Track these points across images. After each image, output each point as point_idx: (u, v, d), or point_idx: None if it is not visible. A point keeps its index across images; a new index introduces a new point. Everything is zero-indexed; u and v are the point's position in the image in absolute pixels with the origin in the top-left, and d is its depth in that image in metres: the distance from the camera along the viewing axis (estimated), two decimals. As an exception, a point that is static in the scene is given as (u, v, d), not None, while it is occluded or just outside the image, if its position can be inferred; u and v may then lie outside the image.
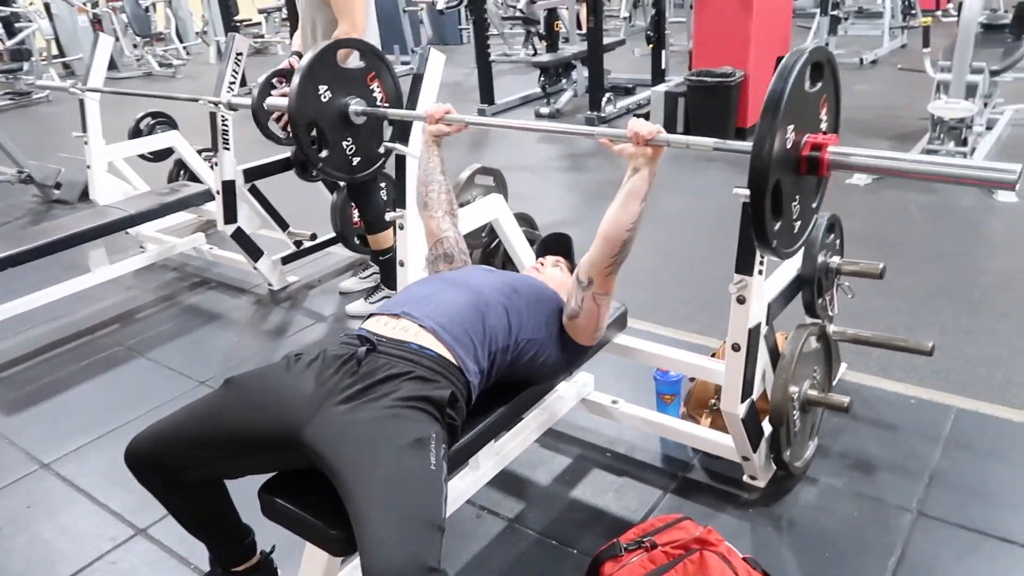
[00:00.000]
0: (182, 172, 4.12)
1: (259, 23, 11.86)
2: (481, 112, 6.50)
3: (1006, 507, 1.88)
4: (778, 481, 2.01)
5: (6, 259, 2.87)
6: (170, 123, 4.16)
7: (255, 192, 3.46)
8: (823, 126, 1.53)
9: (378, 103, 2.41)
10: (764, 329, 1.81)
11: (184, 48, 11.24)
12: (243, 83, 3.23)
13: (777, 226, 1.45)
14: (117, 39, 10.45)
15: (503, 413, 1.69)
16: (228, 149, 3.13)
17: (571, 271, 1.94)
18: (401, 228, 2.23)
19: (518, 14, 7.18)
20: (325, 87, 2.27)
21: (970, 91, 4.14)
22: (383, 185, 3.22)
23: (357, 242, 3.52)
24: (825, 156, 1.44)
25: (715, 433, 2.04)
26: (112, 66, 10.14)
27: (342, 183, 3.38)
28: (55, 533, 2.06)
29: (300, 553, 1.48)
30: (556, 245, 2.04)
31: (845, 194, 4.05)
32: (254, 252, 3.37)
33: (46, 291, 3.10)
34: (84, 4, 10.45)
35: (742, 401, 1.78)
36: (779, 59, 1.74)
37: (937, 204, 3.83)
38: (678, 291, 3.16)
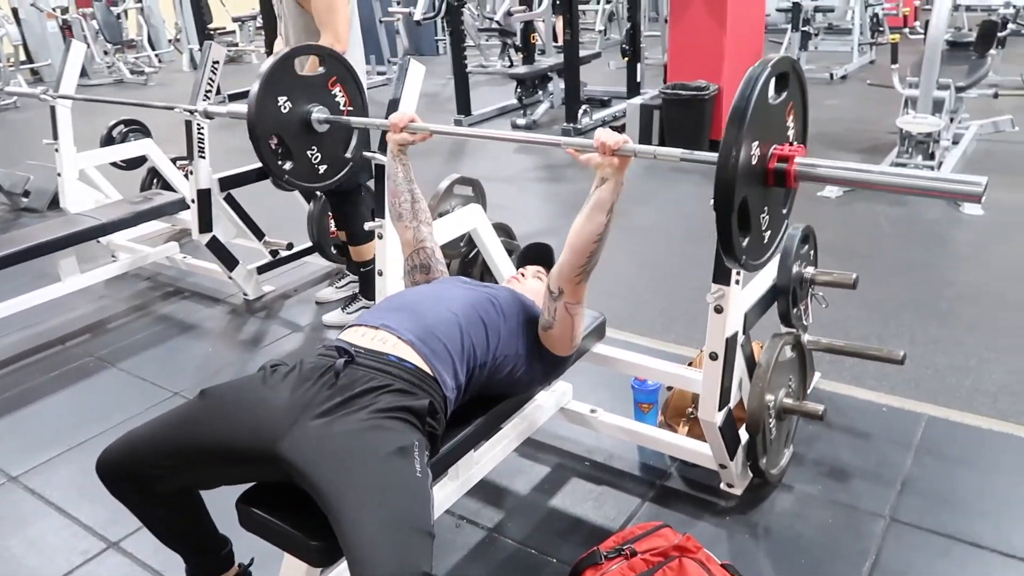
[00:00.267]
0: (155, 180, 4.08)
1: (233, 31, 11.77)
2: (458, 123, 6.51)
3: (975, 513, 1.91)
4: (754, 488, 2.04)
5: (-26, 268, 2.81)
6: (143, 131, 4.12)
7: (231, 201, 3.43)
8: (791, 133, 1.53)
9: (341, 108, 2.37)
10: (741, 338, 1.83)
11: (156, 56, 11.12)
12: (217, 92, 3.21)
13: (745, 241, 1.44)
14: (88, 46, 10.30)
15: (482, 423, 1.70)
16: (204, 158, 3.10)
17: None
18: (380, 238, 2.23)
19: (495, 26, 7.21)
20: (284, 97, 2.20)
21: (937, 106, 4.23)
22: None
23: (334, 252, 3.51)
24: (792, 168, 1.43)
25: (692, 441, 2.06)
26: (82, 73, 9.97)
27: (322, 193, 3.38)
28: (24, 547, 2.02)
29: (279, 564, 1.47)
30: (537, 255, 2.05)
31: (817, 206, 4.12)
32: (229, 261, 3.34)
33: (14, 300, 3.04)
34: (53, 10, 10.30)
35: (719, 409, 1.80)
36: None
37: (906, 217, 3.92)
38: (655, 301, 3.19)
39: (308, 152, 2.31)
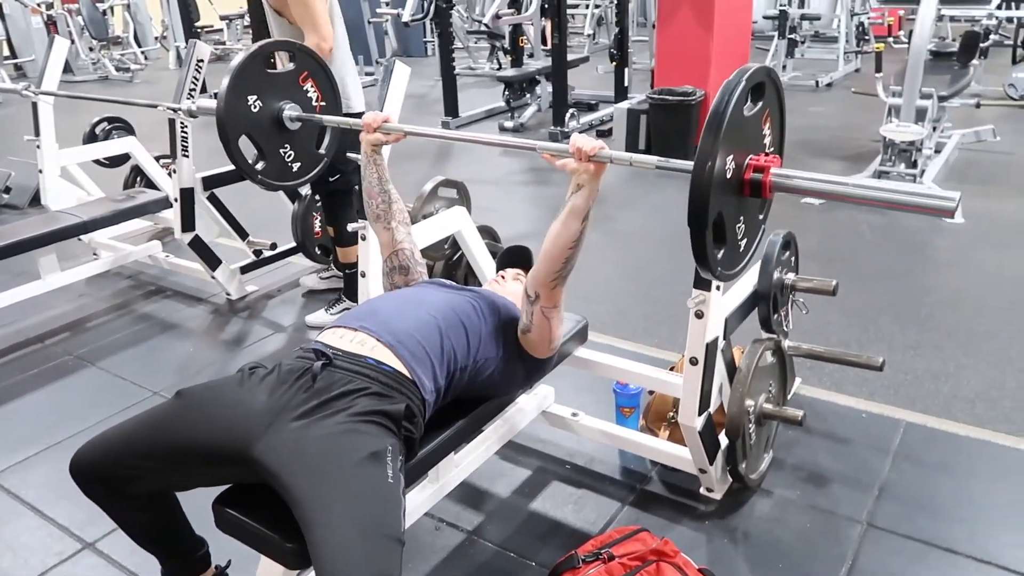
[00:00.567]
0: (139, 179, 4.05)
1: (220, 29, 11.69)
2: (445, 125, 6.51)
3: (951, 518, 1.93)
4: (734, 493, 2.04)
5: (-49, 264, 2.78)
6: (127, 128, 4.09)
7: (214, 200, 3.41)
8: (767, 141, 1.52)
9: (314, 103, 2.34)
10: (721, 343, 1.84)
11: (142, 53, 11.04)
12: (203, 90, 3.19)
13: (720, 253, 1.43)
14: (73, 42, 10.22)
15: (463, 425, 1.70)
16: (187, 156, 3.08)
17: None
18: (363, 239, 2.23)
19: (483, 28, 7.22)
20: (255, 97, 2.18)
21: (920, 115, 4.28)
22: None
23: (318, 252, 3.49)
24: (768, 179, 1.42)
25: (673, 446, 2.06)
26: (67, 69, 9.91)
27: (317, 192, 3.37)
28: (-2, 548, 2.00)
29: (256, 566, 1.46)
30: (517, 258, 2.05)
31: (799, 213, 4.15)
32: (212, 261, 3.32)
33: (-7, 298, 3.01)
34: (38, 5, 10.21)
35: (699, 414, 1.81)
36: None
37: (888, 224, 3.95)
38: (639, 305, 3.20)
39: (281, 150, 2.29)
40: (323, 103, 2.36)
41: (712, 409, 1.88)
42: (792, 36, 7.63)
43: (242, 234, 3.53)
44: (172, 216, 3.25)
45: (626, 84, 6.47)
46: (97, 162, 4.01)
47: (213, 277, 3.34)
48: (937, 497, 2.01)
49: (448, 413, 1.65)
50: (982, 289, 3.19)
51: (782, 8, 7.58)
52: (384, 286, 1.91)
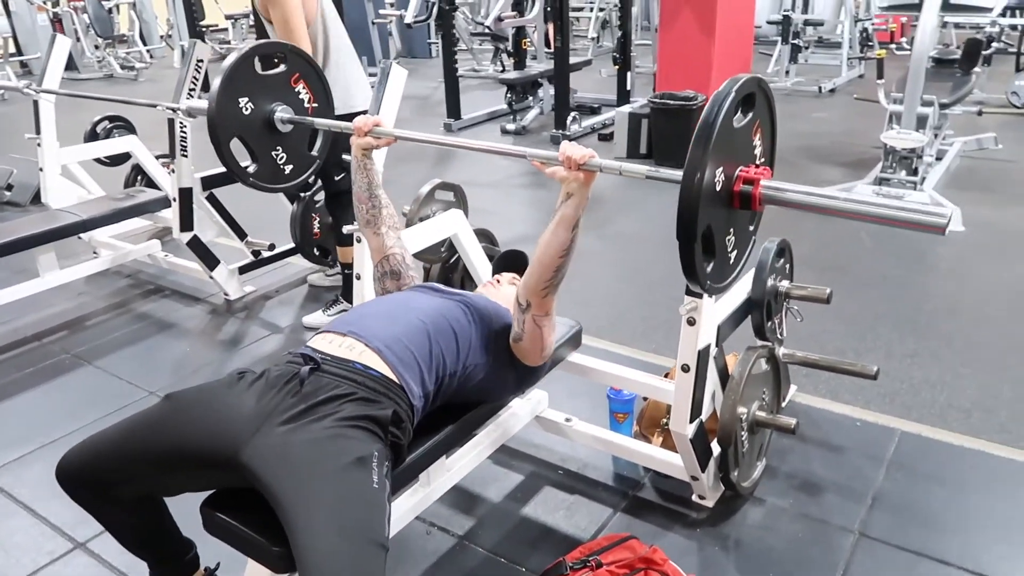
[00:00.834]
0: (139, 177, 4.05)
1: (225, 29, 11.72)
2: (447, 126, 6.51)
3: (944, 529, 1.93)
4: (726, 501, 2.04)
5: (-51, 262, 2.79)
6: (128, 127, 4.10)
7: (213, 200, 3.41)
8: (757, 152, 1.51)
9: (306, 105, 2.32)
10: (714, 351, 1.84)
11: (148, 51, 11.07)
12: (207, 88, 3.18)
13: (710, 266, 1.42)
14: (78, 39, 10.26)
15: (455, 429, 1.70)
16: (186, 156, 3.09)
17: None
18: (359, 241, 2.22)
19: (486, 31, 7.22)
20: (246, 99, 2.16)
21: (921, 122, 4.27)
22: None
23: (316, 253, 3.50)
24: (757, 191, 1.40)
25: (666, 452, 2.06)
26: (73, 67, 9.96)
27: (303, 194, 3.37)
28: (-10, 546, 2.00)
29: (244, 569, 1.46)
30: (513, 262, 2.04)
31: (797, 218, 4.10)
32: (210, 261, 3.32)
33: (-9, 295, 3.02)
34: (44, 3, 10.24)
35: (691, 421, 1.80)
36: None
37: (887, 231, 3.92)
38: (636, 310, 3.20)
39: (273, 153, 2.27)
40: (315, 105, 2.35)
41: (704, 416, 1.87)
42: (795, 41, 7.62)
43: (241, 234, 3.53)
44: (171, 216, 3.25)
45: (628, 88, 6.47)
46: (98, 161, 4.02)
47: (211, 277, 3.35)
48: (930, 507, 2.00)
49: (439, 418, 1.65)
50: (981, 298, 3.18)
51: (785, 13, 7.58)
52: (376, 291, 1.91)
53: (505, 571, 1.85)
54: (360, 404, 1.38)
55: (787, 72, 7.67)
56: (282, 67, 2.27)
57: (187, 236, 3.21)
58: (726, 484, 1.98)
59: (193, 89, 3.00)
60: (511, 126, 6.45)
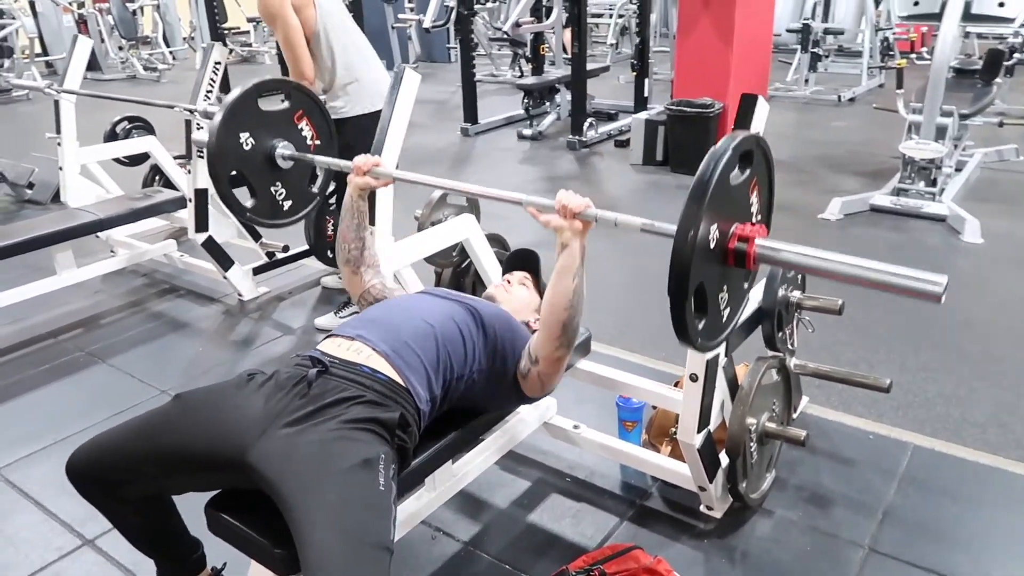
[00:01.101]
0: (157, 178, 4.10)
1: (247, 32, 11.84)
2: (464, 131, 6.53)
3: (956, 546, 1.90)
4: (734, 512, 2.02)
5: (-32, 259, 2.83)
6: (147, 128, 4.15)
7: (229, 201, 3.43)
8: (754, 209, 1.48)
9: (308, 142, 2.32)
10: (723, 360, 1.82)
11: (170, 53, 11.20)
12: (225, 90, 3.22)
13: (701, 323, 1.38)
14: (103, 41, 10.40)
15: (462, 434, 1.70)
16: (202, 157, 3.12)
17: (538, 288, 1.94)
18: (370, 245, 2.23)
19: (505, 36, 7.24)
20: (247, 134, 2.15)
21: (940, 133, 4.23)
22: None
23: (330, 255, 3.51)
24: (752, 249, 1.37)
25: (674, 462, 2.04)
26: (96, 67, 10.09)
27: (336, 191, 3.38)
28: (0, 542, 2.01)
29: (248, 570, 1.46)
30: (524, 261, 2.02)
31: (816, 228, 4.12)
32: (225, 261, 3.34)
33: (9, 292, 3.06)
34: (70, 4, 10.39)
35: (698, 431, 1.79)
36: (744, 96, 1.76)
37: (906, 242, 3.90)
38: (648, 318, 3.18)
39: (272, 188, 2.26)
40: (317, 142, 2.33)
41: (713, 427, 1.86)
42: (815, 50, 7.57)
43: (255, 236, 3.56)
44: (187, 216, 3.28)
45: (646, 95, 6.45)
46: (117, 161, 4.07)
47: (225, 278, 3.37)
48: (942, 523, 1.97)
49: (446, 422, 1.65)
50: (999, 311, 3.14)
51: (805, 22, 7.52)
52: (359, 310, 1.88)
53: (509, 578, 1.84)
54: (367, 407, 1.38)
55: (806, 81, 7.62)
56: (286, 103, 2.27)
57: (202, 237, 3.24)
58: (734, 495, 1.96)
59: (210, 91, 3.03)
60: (527, 131, 6.45)
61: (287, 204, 2.31)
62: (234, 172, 2.16)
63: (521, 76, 7.60)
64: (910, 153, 4.16)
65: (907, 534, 1.94)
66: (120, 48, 10.62)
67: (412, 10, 9.35)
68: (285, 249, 3.56)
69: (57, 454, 2.35)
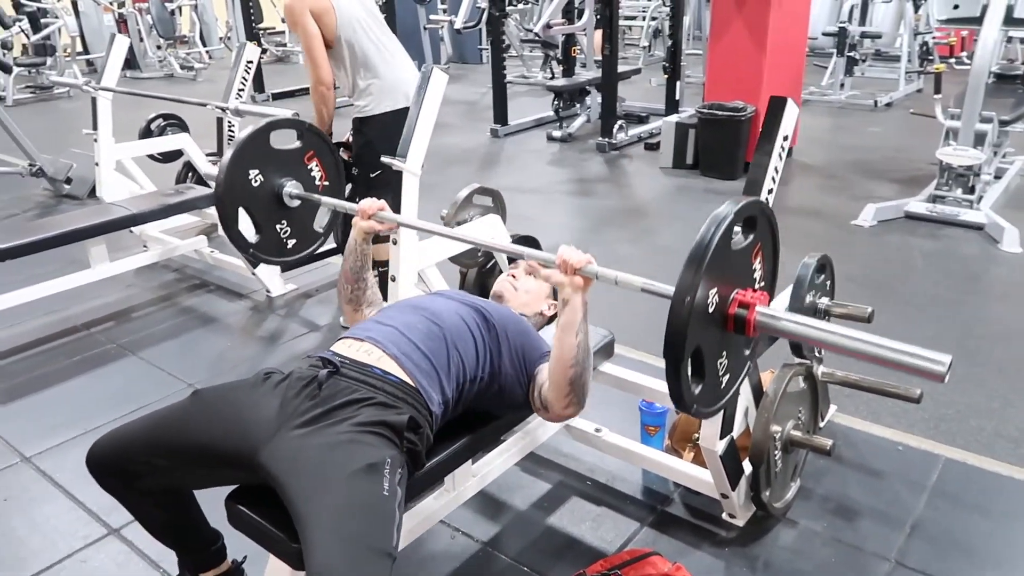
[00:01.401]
0: (190, 174, 4.16)
1: (282, 32, 11.98)
2: (494, 132, 6.54)
3: (985, 562, 1.85)
4: (757, 521, 1.99)
5: (4, 251, 2.88)
6: (181, 125, 4.21)
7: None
8: (757, 276, 1.45)
9: (316, 183, 2.32)
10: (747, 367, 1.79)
11: (207, 52, 11.38)
12: (260, 90, 3.25)
13: (698, 389, 1.35)
14: (141, 39, 10.60)
15: (483, 434, 1.69)
16: (234, 155, 3.15)
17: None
18: (395, 243, 2.24)
19: (536, 37, 7.23)
20: (256, 171, 2.16)
21: (979, 139, 4.13)
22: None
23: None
24: (752, 317, 1.34)
25: (696, 468, 2.02)
26: (135, 66, 10.29)
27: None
28: (28, 528, 2.06)
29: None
30: (527, 243, 2.01)
31: (849, 235, 4.05)
32: (254, 258, 3.37)
33: (44, 285, 3.12)
34: (110, 3, 10.60)
35: (721, 438, 1.76)
36: (772, 99, 1.73)
37: (941, 251, 3.82)
38: (673, 322, 3.14)
39: (277, 226, 2.27)
40: (326, 183, 2.34)
41: (736, 433, 1.83)
42: (851, 54, 7.45)
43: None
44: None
45: (677, 97, 6.40)
46: (151, 157, 4.13)
47: (254, 274, 3.41)
48: (972, 538, 1.93)
49: (466, 422, 1.65)
50: (1036, 323, 3.05)
51: (841, 25, 7.41)
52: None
53: (527, 580, 1.83)
54: (377, 409, 1.38)
55: (842, 85, 7.50)
56: (297, 143, 2.29)
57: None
58: (757, 504, 1.93)
59: (242, 90, 3.07)
60: (557, 133, 6.44)
61: (291, 243, 2.32)
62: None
63: (552, 78, 7.58)
64: (948, 159, 4.07)
65: (936, 549, 1.89)
66: (158, 47, 10.81)
67: (444, 11, 9.38)
68: (313, 247, 3.57)
69: (86, 444, 2.32)
